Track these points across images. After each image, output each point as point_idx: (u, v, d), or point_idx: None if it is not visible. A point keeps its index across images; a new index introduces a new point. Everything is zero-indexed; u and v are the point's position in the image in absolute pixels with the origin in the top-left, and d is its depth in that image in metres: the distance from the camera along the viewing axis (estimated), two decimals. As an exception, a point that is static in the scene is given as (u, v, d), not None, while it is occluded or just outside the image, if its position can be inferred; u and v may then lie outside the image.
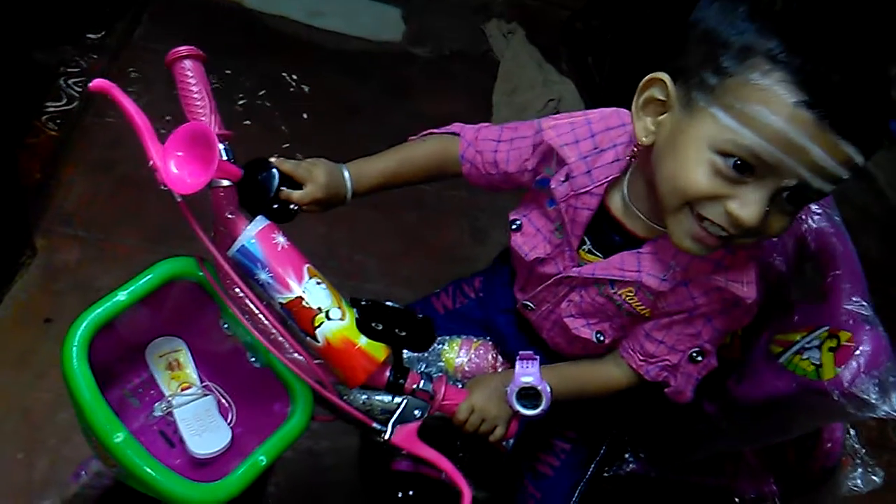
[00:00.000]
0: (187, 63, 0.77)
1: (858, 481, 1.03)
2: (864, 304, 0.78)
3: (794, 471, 1.06)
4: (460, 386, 0.87)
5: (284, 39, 2.29)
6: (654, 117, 0.73)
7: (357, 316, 0.74)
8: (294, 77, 2.17)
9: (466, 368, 0.98)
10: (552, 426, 1.01)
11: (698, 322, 0.81)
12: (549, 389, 0.83)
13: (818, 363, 0.77)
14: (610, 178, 0.81)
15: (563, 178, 0.83)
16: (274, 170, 0.81)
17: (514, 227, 0.92)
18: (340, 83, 2.22)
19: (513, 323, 1.00)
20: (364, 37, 2.39)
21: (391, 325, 0.72)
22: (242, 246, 0.76)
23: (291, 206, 0.83)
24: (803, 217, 0.88)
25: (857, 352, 0.74)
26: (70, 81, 1.86)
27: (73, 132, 1.81)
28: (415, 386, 0.80)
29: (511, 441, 0.93)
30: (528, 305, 0.96)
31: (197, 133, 0.72)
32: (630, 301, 0.83)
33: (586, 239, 0.85)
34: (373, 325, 0.73)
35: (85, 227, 1.65)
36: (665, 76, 0.71)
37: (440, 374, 0.91)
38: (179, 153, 0.73)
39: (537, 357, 0.86)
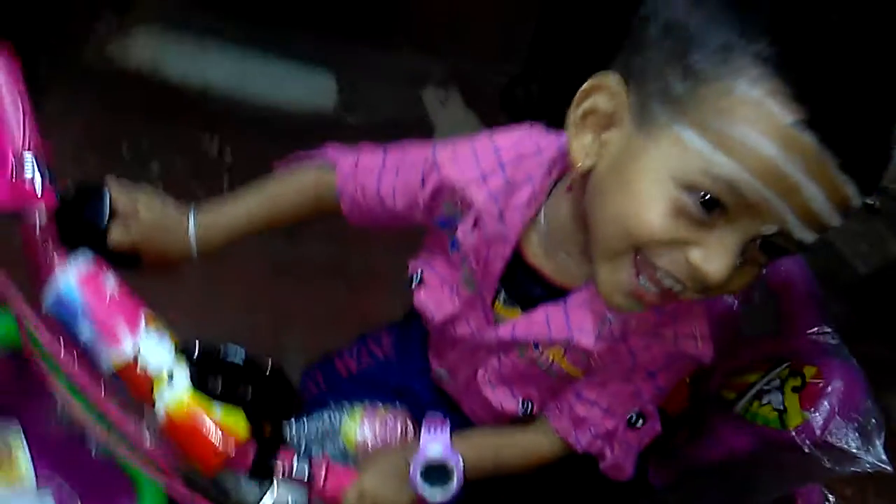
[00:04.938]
0: None
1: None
2: (829, 332, 0.65)
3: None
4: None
5: (206, 106, 2.19)
6: (597, 134, 0.57)
7: (191, 374, 0.57)
8: (215, 144, 2.06)
9: (370, 445, 0.81)
10: None
11: (638, 379, 0.67)
12: (462, 464, 0.66)
13: (781, 408, 0.63)
14: (525, 220, 0.66)
15: (470, 226, 0.68)
16: (104, 195, 0.66)
17: (415, 281, 0.77)
18: (265, 151, 2.07)
19: (431, 388, 0.85)
20: (293, 103, 2.31)
21: (233, 383, 0.56)
22: (59, 292, 0.60)
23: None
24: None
25: (829, 389, 0.60)
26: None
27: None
28: (284, 467, 0.62)
29: None
30: (443, 376, 0.81)
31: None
32: (559, 363, 0.69)
33: (501, 288, 0.70)
34: (210, 385, 0.56)
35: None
36: (615, 80, 0.55)
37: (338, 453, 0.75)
38: None
39: (447, 420, 0.70)
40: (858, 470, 0.59)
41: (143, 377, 0.59)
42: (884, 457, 0.58)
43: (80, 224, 0.64)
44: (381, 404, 0.85)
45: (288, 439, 0.68)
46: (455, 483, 0.66)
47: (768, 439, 0.64)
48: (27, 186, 0.59)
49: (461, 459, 0.67)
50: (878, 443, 0.59)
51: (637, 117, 0.53)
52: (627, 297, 0.56)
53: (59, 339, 0.61)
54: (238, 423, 0.61)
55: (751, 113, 0.47)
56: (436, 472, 0.67)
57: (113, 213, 0.66)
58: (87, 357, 0.61)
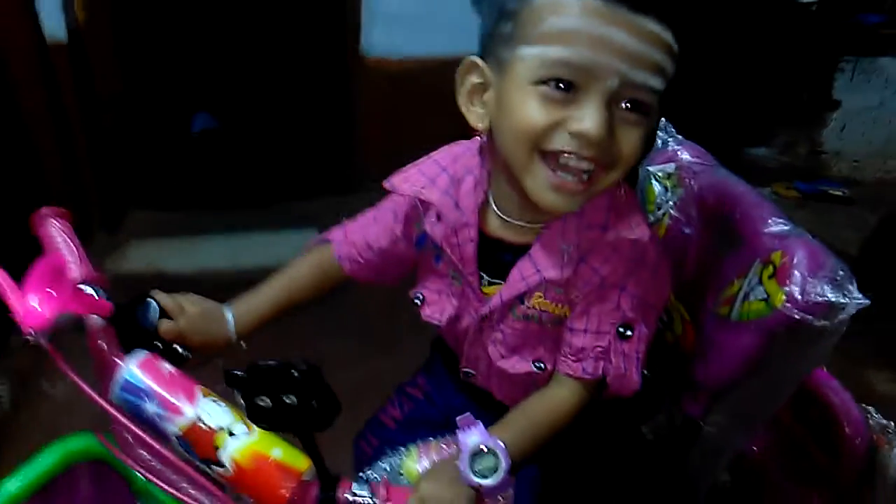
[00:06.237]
0: (52, 221, 0.79)
1: (903, 455, 0.90)
2: (781, 221, 0.74)
3: (832, 474, 0.92)
4: None
5: (210, 287, 2.30)
6: (481, 100, 0.73)
7: (242, 401, 0.64)
8: (223, 314, 2.17)
9: (433, 474, 0.86)
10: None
11: (612, 294, 0.76)
12: (502, 444, 0.71)
13: (765, 296, 0.70)
14: (478, 202, 0.80)
15: (434, 219, 0.82)
16: (151, 301, 0.77)
17: (417, 301, 0.89)
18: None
19: (470, 401, 0.92)
20: (284, 261, 2.44)
21: (277, 394, 0.62)
22: (124, 380, 0.69)
23: (175, 346, 0.78)
24: (691, 181, 0.86)
25: (795, 261, 0.68)
26: (-4, 387, 1.82)
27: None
28: (347, 495, 0.67)
29: None
30: (469, 373, 0.90)
31: (54, 265, 0.68)
32: (546, 308, 0.79)
33: (482, 274, 0.81)
34: (259, 403, 0.62)
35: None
36: (475, 58, 0.73)
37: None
38: (51, 291, 0.69)
39: (478, 420, 0.74)
40: (846, 316, 0.65)
41: (207, 435, 0.67)
42: (860, 296, 0.65)
43: (134, 325, 0.75)
44: (431, 439, 0.90)
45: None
46: (503, 463, 0.70)
47: (766, 327, 0.70)
48: (88, 298, 0.70)
49: (500, 441, 0.71)
50: (852, 287, 0.65)
51: (496, 70, 0.71)
52: (555, 192, 0.69)
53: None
54: (297, 459, 0.67)
55: (551, 8, 0.64)
56: (483, 461, 0.71)
57: (162, 315, 0.78)
58: (154, 430, 0.68)
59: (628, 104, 0.66)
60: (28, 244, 0.79)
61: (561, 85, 0.65)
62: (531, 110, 0.66)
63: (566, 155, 0.67)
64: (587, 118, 0.65)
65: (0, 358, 1.91)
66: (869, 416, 0.94)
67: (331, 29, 2.86)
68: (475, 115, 0.74)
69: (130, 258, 2.43)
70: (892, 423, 0.94)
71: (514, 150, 0.70)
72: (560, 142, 0.67)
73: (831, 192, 2.98)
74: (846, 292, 0.65)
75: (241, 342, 0.86)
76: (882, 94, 3.09)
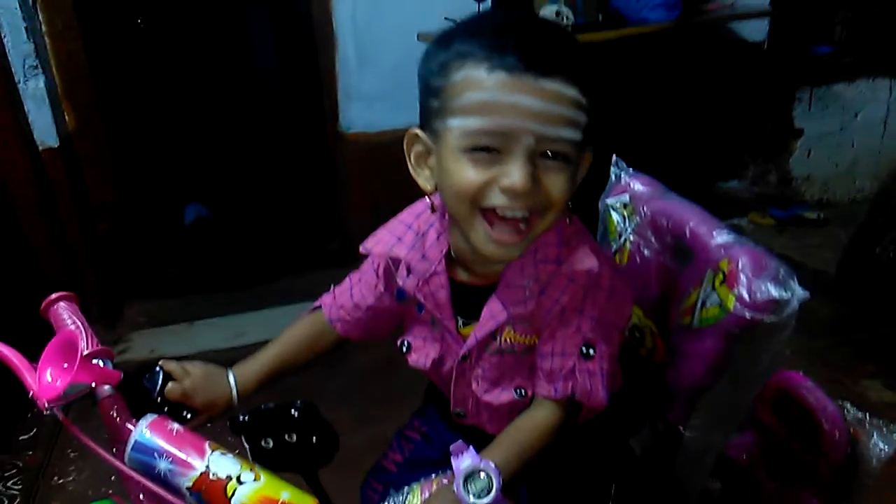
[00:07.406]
0: (61, 304, 0.84)
1: (881, 445, 0.94)
2: (725, 231, 0.81)
3: (816, 470, 0.96)
4: None
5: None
6: (427, 166, 0.81)
7: (246, 444, 0.69)
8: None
9: (436, 509, 0.90)
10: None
11: (572, 318, 0.82)
12: (493, 464, 0.77)
13: (719, 302, 0.77)
14: (443, 251, 0.87)
15: (406, 274, 0.89)
16: (158, 369, 0.82)
17: (404, 349, 0.95)
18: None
19: (464, 439, 0.95)
20: (284, 335, 2.49)
21: (279, 434, 0.67)
22: (136, 442, 0.73)
23: (185, 412, 0.83)
24: (644, 207, 0.94)
25: (740, 266, 0.75)
26: (9, 483, 1.84)
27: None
28: None
29: None
30: (460, 413, 0.94)
31: (64, 342, 0.74)
32: (517, 340, 0.85)
33: (458, 317, 0.88)
34: (263, 444, 0.68)
35: None
36: (416, 129, 0.81)
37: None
38: (65, 365, 0.74)
39: (469, 444, 0.80)
40: (791, 311, 0.71)
41: (218, 485, 0.71)
42: (801, 290, 0.72)
43: (141, 392, 0.80)
44: (433, 476, 0.94)
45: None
46: (496, 482, 0.76)
47: (723, 329, 0.76)
48: (97, 369, 0.76)
49: (491, 462, 0.77)
50: (794, 283, 0.72)
51: (433, 139, 0.78)
52: (494, 244, 0.76)
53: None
54: (304, 499, 0.72)
55: (467, 84, 0.72)
56: (477, 483, 0.76)
57: (167, 380, 0.83)
58: (166, 486, 0.73)
59: (549, 154, 0.74)
60: (29, 339, 0.84)
61: (485, 149, 0.73)
62: (465, 173, 0.74)
63: (503, 209, 0.75)
64: (514, 174, 0.72)
65: (11, 456, 1.94)
66: (845, 410, 0.99)
67: (310, 111, 2.99)
68: (423, 179, 0.82)
69: (132, 348, 2.48)
70: (868, 415, 0.98)
71: (457, 209, 0.78)
72: (494, 199, 0.74)
73: (806, 216, 3.08)
74: (788, 288, 0.72)
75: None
76: (841, 119, 3.21)
